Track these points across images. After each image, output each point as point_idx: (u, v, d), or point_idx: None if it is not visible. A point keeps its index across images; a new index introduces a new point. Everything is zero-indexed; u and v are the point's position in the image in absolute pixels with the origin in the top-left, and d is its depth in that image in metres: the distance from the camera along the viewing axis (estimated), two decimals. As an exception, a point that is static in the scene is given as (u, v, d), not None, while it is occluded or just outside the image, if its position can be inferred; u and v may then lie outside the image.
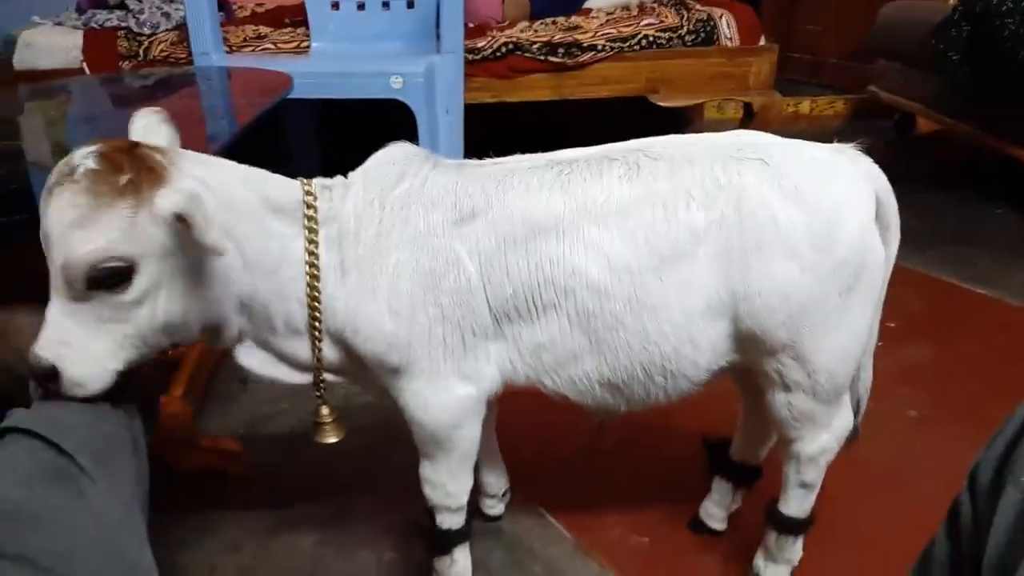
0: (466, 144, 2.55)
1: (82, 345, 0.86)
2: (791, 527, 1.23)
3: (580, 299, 1.02)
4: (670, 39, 2.85)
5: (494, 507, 1.46)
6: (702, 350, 1.04)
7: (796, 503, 1.21)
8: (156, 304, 0.89)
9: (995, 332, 2.09)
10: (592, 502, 1.51)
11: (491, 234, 1.01)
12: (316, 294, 1.00)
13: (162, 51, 2.78)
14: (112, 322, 0.87)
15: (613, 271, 1.00)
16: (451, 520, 1.19)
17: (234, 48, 2.74)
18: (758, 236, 0.99)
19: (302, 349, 1.04)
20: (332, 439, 1.14)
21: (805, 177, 1.00)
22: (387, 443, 1.67)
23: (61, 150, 1.57)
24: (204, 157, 0.95)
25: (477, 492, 1.42)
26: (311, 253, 0.99)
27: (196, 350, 1.71)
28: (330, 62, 2.58)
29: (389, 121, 2.32)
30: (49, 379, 0.86)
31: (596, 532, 1.44)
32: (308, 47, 2.74)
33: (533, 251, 1.01)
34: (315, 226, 0.99)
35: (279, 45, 2.79)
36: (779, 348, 1.04)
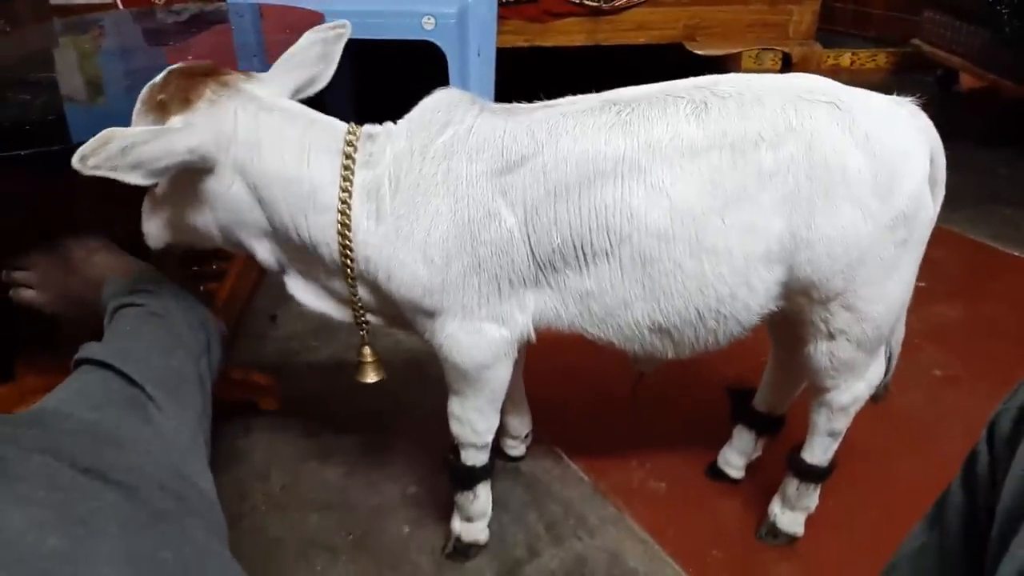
0: (497, 89, 2.52)
1: (148, 212, 1.07)
2: (814, 475, 1.24)
3: (637, 244, 1.00)
4: (709, -16, 2.77)
5: (516, 448, 1.49)
6: (757, 293, 1.03)
7: (821, 451, 1.22)
8: (177, 207, 1.03)
9: (1028, 294, 2.06)
10: (612, 446, 1.53)
11: (539, 182, 0.99)
12: (347, 242, 1.02)
13: (194, -14, 2.76)
14: (158, 206, 1.05)
15: (676, 213, 0.98)
16: (475, 457, 1.22)
17: (266, -15, 2.71)
18: (826, 181, 0.97)
19: (339, 286, 1.08)
20: (372, 378, 1.19)
21: (875, 125, 0.98)
22: (414, 380, 1.71)
23: (95, 83, 1.59)
24: (264, 100, 1.01)
25: (500, 433, 1.45)
26: (343, 202, 1.01)
27: (227, 286, 1.74)
28: (362, 1, 2.55)
29: (422, 62, 2.30)
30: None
31: (614, 476, 1.46)
32: (340, -15, 2.71)
33: (587, 196, 0.99)
34: (350, 175, 1.01)
35: (311, -17, 2.76)
36: (832, 296, 1.04)
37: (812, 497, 1.28)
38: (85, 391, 0.82)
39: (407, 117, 1.07)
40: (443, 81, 2.30)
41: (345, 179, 1.00)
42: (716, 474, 1.45)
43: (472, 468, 1.23)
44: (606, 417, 1.63)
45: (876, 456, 1.47)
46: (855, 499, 1.38)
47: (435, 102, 1.06)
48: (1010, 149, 3.05)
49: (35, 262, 1.15)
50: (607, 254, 1.01)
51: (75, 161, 0.86)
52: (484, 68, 2.41)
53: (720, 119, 0.98)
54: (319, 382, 1.74)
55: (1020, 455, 0.55)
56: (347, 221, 1.01)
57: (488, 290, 1.04)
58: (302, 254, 1.05)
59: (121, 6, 2.79)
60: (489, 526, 1.31)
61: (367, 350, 1.18)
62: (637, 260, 1.01)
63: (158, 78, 0.97)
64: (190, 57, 1.74)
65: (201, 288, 1.72)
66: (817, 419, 1.20)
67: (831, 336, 1.09)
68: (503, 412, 1.25)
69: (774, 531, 1.31)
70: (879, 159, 0.97)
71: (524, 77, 2.60)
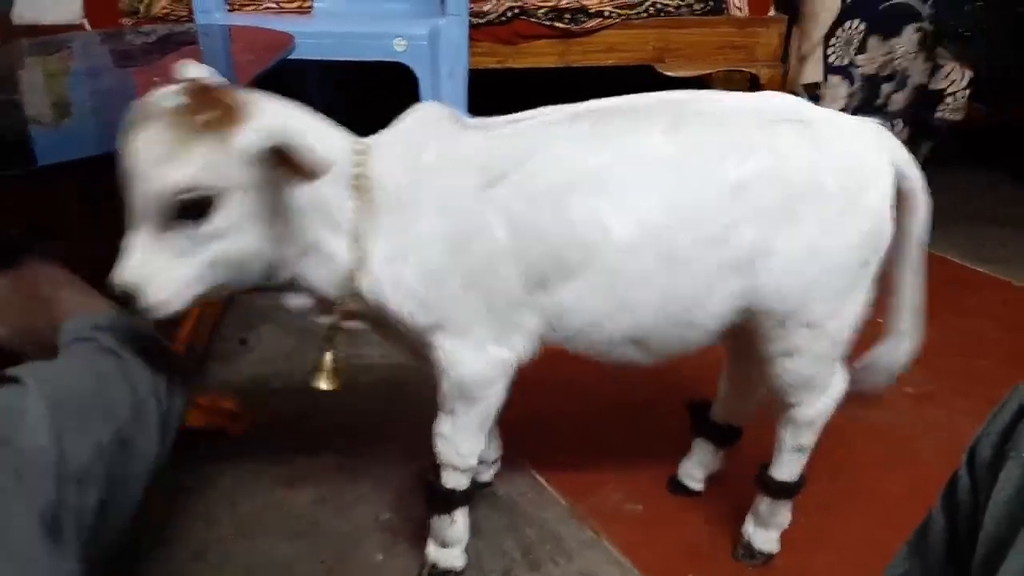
0: (469, 110, 2.52)
1: (164, 271, 0.93)
2: (784, 491, 1.24)
3: (607, 256, 1.01)
4: (678, 7, 2.80)
5: (483, 473, 1.47)
6: (721, 302, 1.04)
7: (789, 467, 1.22)
8: (232, 237, 0.94)
9: (1003, 312, 2.09)
10: (587, 468, 1.52)
11: (520, 194, 1.00)
12: (356, 267, 1.01)
13: (163, 8, 2.73)
14: (191, 253, 0.93)
15: (644, 226, 0.99)
16: (456, 480, 1.20)
17: (236, 7, 2.70)
18: (792, 198, 0.98)
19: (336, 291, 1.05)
20: (324, 386, 1.14)
21: (843, 144, 1.00)
22: (386, 404, 1.69)
23: (61, 105, 1.56)
24: (278, 98, 0.98)
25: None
26: (356, 222, 1.00)
27: (194, 309, 1.71)
28: (332, 23, 2.54)
29: (393, 83, 2.30)
30: (127, 302, 0.93)
31: (590, 498, 1.45)
32: (311, 7, 2.70)
33: (563, 208, 1.00)
34: (365, 187, 1.00)
35: (282, 4, 2.75)
36: (792, 311, 1.04)
37: (784, 514, 1.28)
38: None
39: (391, 131, 1.07)
40: (415, 101, 2.31)
41: (358, 188, 1.00)
42: (677, 487, 1.45)
43: (452, 491, 1.21)
44: (581, 436, 1.62)
45: (856, 473, 1.47)
46: (835, 517, 1.38)
47: (418, 117, 1.07)
48: (983, 172, 3.12)
49: None
50: (583, 265, 1.02)
51: (310, 156, 0.85)
52: (456, 89, 2.42)
53: (689, 134, 1.00)
54: (289, 406, 1.71)
55: (1002, 480, 0.55)
56: (362, 237, 1.01)
57: (483, 306, 1.04)
58: (323, 265, 1.03)
59: (89, 27, 2.75)
60: (465, 551, 1.28)
61: (328, 356, 1.13)
62: (609, 272, 1.02)
63: (176, 103, 0.88)
64: (156, 79, 1.73)
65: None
66: (784, 435, 1.20)
67: (789, 353, 1.09)
68: None
69: (750, 551, 1.31)
70: (846, 178, 0.99)
71: (496, 98, 2.61)
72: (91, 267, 1.08)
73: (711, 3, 2.81)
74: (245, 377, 1.81)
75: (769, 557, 1.30)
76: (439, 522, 1.24)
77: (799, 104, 1.05)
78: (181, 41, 2.13)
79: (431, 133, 1.04)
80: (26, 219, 1.33)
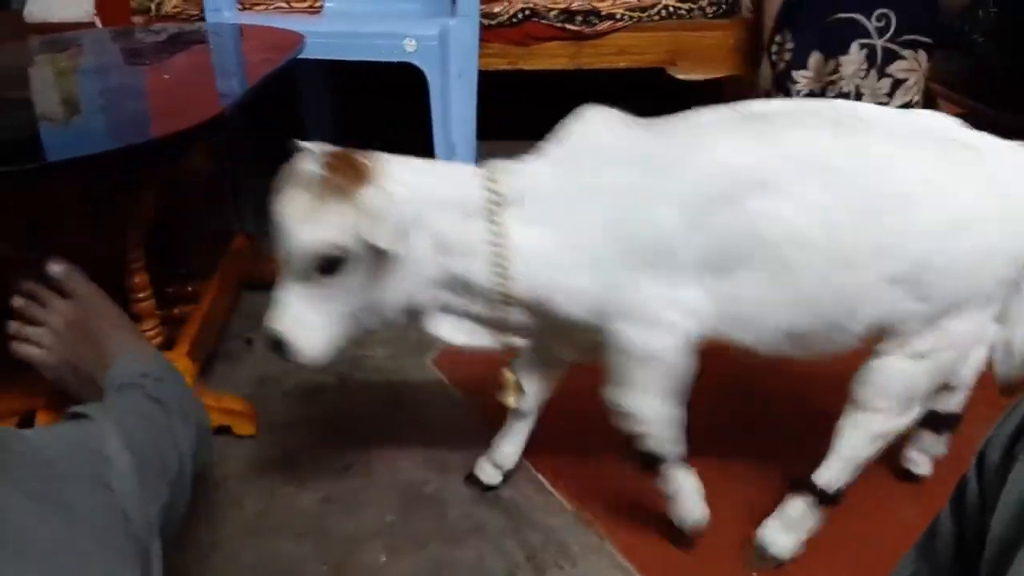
0: (479, 111, 2.52)
1: (308, 321, 1.04)
2: (826, 498, 1.24)
3: (784, 250, 1.03)
4: (691, 10, 2.79)
5: (494, 477, 1.45)
6: (874, 310, 1.07)
7: (841, 475, 1.23)
8: (366, 286, 1.03)
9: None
10: (593, 472, 1.51)
11: (691, 191, 1.04)
12: (502, 279, 1.07)
13: (175, 7, 2.74)
14: (332, 301, 1.04)
15: (821, 224, 1.02)
16: (658, 446, 1.23)
17: (246, 6, 2.70)
18: (957, 218, 1.01)
19: (494, 314, 1.13)
20: (512, 403, 1.28)
21: (1005, 166, 1.04)
22: (393, 406, 1.68)
23: (71, 102, 1.56)
24: (402, 158, 1.07)
25: (483, 458, 1.43)
26: (493, 242, 1.06)
27: (202, 308, 1.71)
28: (342, 22, 2.55)
29: (403, 84, 2.29)
30: (278, 350, 1.06)
31: (596, 503, 1.44)
32: (321, 6, 2.71)
33: (737, 205, 1.03)
34: (497, 210, 1.06)
35: (292, 3, 2.75)
36: (932, 320, 1.06)
37: (812, 522, 1.27)
38: (55, 429, 0.79)
39: (556, 137, 1.12)
40: (423, 102, 2.30)
41: (491, 210, 1.05)
42: (905, 474, 1.42)
43: (653, 454, 1.23)
44: (588, 442, 1.61)
45: (860, 480, 1.45)
46: (839, 524, 1.36)
47: (582, 121, 1.12)
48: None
49: (53, 322, 1.04)
50: (756, 260, 1.05)
51: (371, 236, 0.96)
52: (466, 90, 2.41)
53: (861, 136, 1.04)
54: (295, 407, 1.70)
55: (1010, 484, 0.54)
56: (501, 253, 1.06)
57: (651, 291, 1.07)
58: (470, 292, 1.10)
59: (100, 25, 2.76)
60: (467, 554, 1.28)
61: (510, 373, 1.25)
62: (782, 266, 1.05)
63: (313, 168, 0.99)
64: (166, 76, 1.73)
65: (176, 311, 1.69)
66: (850, 442, 1.20)
67: (917, 356, 1.10)
68: (502, 436, 1.35)
69: (764, 555, 1.29)
70: (1007, 199, 1.03)
71: (507, 100, 2.60)
72: (91, 267, 1.08)
73: (724, 6, 2.80)
74: (251, 377, 1.80)
75: (780, 564, 1.29)
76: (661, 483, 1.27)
77: (960, 125, 1.08)
78: (191, 40, 2.14)
79: (596, 135, 1.10)
80: (26, 219, 1.33)
